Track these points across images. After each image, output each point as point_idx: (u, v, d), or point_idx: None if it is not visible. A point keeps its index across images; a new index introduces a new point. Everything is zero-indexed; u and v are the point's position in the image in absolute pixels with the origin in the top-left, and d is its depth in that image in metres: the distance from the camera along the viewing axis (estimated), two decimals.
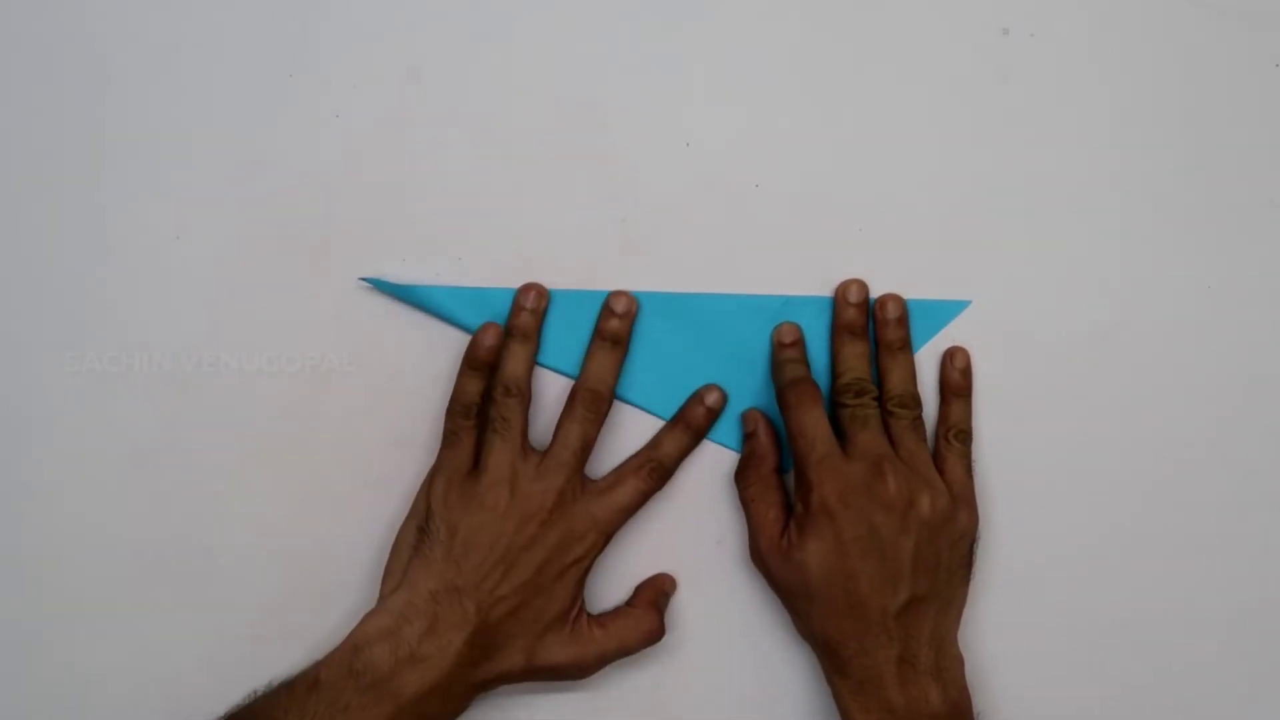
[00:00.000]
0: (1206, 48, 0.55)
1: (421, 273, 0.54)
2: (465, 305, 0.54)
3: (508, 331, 0.53)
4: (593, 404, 0.52)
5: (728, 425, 0.55)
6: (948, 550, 0.51)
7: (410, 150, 0.54)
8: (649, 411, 0.54)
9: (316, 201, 0.54)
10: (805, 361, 0.53)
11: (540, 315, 0.53)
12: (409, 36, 0.54)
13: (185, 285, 0.54)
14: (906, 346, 0.54)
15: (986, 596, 0.54)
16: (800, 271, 0.54)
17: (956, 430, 0.53)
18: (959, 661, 0.51)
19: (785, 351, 0.53)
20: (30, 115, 0.54)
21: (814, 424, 0.51)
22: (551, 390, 0.54)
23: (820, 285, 0.55)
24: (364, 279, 0.54)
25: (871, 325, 0.54)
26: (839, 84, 0.55)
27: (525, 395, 0.52)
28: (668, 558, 0.55)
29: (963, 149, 0.55)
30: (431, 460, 0.53)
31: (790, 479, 0.54)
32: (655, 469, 0.53)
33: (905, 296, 0.54)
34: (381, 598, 0.51)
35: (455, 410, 0.52)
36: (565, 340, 0.54)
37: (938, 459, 0.53)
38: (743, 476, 0.53)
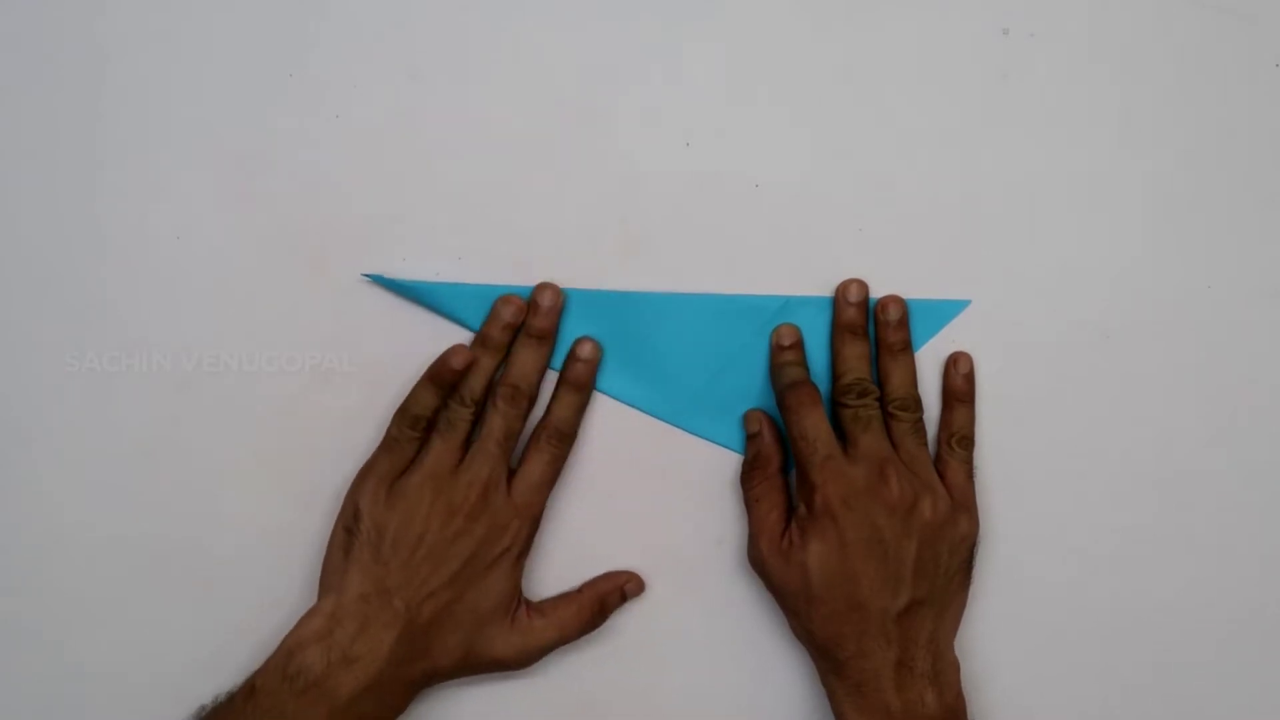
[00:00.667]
0: (1206, 48, 0.55)
1: (422, 272, 0.54)
2: (466, 302, 0.54)
3: (478, 341, 0.53)
4: (513, 399, 0.52)
5: (727, 425, 0.55)
6: (948, 555, 0.51)
7: (410, 150, 0.54)
8: (649, 413, 0.54)
9: (317, 201, 0.54)
10: (804, 364, 0.53)
11: (558, 315, 0.53)
12: (409, 36, 0.54)
13: (185, 285, 0.54)
14: (908, 348, 0.54)
15: (983, 600, 0.54)
16: (800, 271, 0.54)
17: (959, 436, 0.53)
18: (955, 667, 0.51)
19: (784, 354, 0.53)
20: (30, 115, 0.54)
21: (815, 425, 0.51)
22: (549, 391, 0.54)
23: (820, 285, 0.55)
24: (366, 275, 0.54)
25: (872, 326, 0.54)
26: (839, 84, 0.55)
27: (479, 405, 0.52)
28: (668, 558, 0.55)
29: (963, 149, 0.55)
30: None
31: (794, 479, 0.54)
32: (552, 435, 0.52)
33: (905, 296, 0.54)
34: (317, 600, 0.51)
35: (403, 418, 0.52)
36: (564, 340, 0.54)
37: (939, 463, 0.53)
38: (748, 477, 0.53)
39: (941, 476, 0.53)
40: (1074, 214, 0.55)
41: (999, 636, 0.54)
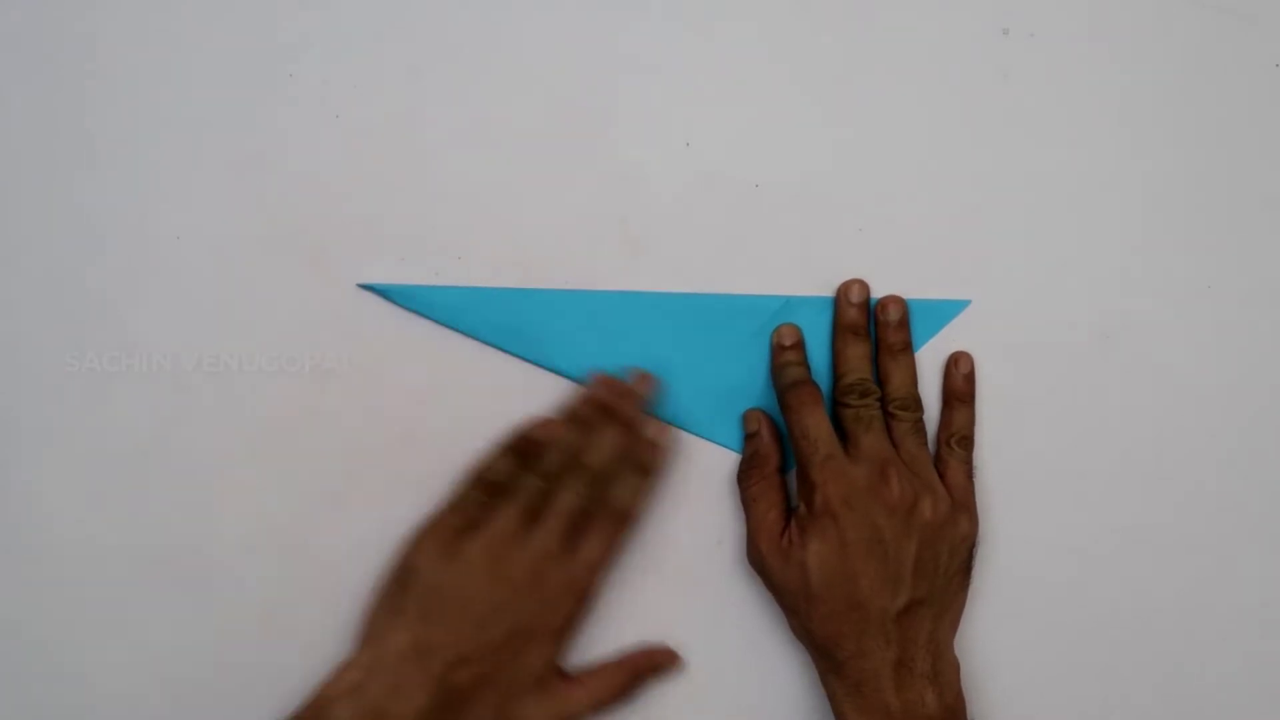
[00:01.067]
0: (1206, 48, 0.55)
1: (421, 272, 0.54)
2: (463, 306, 0.54)
3: (565, 414, 0.52)
4: (591, 482, 0.51)
5: (727, 425, 0.55)
6: (948, 555, 0.51)
7: (410, 150, 0.54)
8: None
9: (316, 201, 0.54)
10: (805, 363, 0.54)
11: (649, 403, 0.53)
12: (409, 36, 0.54)
13: (185, 285, 0.54)
14: (908, 348, 0.54)
15: (983, 600, 0.54)
16: (800, 271, 0.54)
17: (959, 436, 0.53)
18: (955, 667, 0.51)
19: (785, 354, 0.53)
20: (30, 115, 0.54)
21: (816, 425, 0.51)
22: (549, 391, 0.54)
23: (820, 285, 0.55)
24: (362, 284, 0.54)
25: (872, 326, 0.54)
26: (839, 84, 0.55)
27: (554, 480, 0.51)
28: (668, 558, 0.55)
29: (963, 149, 0.55)
30: (431, 456, 0.53)
31: (792, 479, 0.54)
32: (615, 516, 0.52)
33: (905, 296, 0.54)
34: (354, 649, 0.51)
35: (479, 482, 0.51)
36: (564, 341, 0.54)
37: (939, 464, 0.53)
38: (745, 476, 0.53)
39: (941, 477, 0.53)
40: (1074, 214, 0.55)
41: (999, 636, 0.54)
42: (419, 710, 0.48)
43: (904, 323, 0.54)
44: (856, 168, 0.55)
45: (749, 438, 0.54)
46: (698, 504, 0.54)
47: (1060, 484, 0.55)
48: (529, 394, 0.54)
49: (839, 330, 0.54)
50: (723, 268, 0.54)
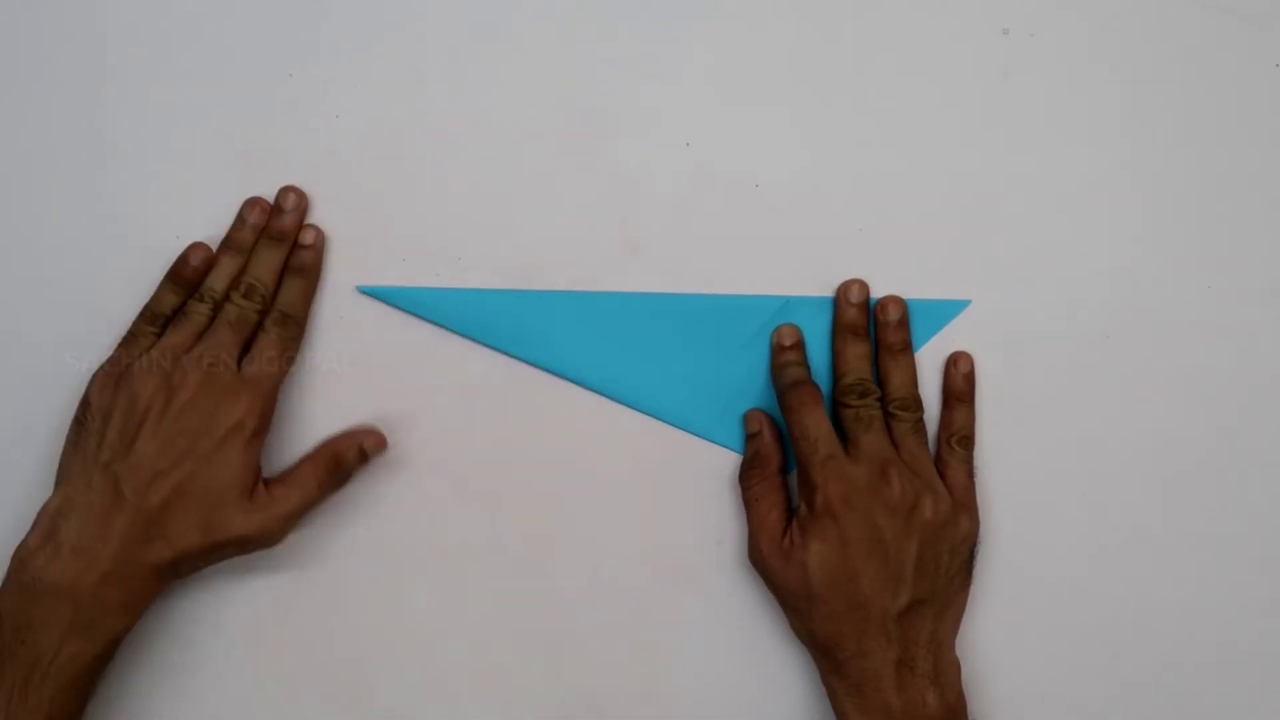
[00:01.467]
0: (1206, 48, 0.55)
1: (421, 272, 0.54)
2: (461, 308, 0.54)
3: (223, 243, 0.53)
4: (248, 293, 0.52)
5: (728, 425, 0.55)
6: (948, 555, 0.51)
7: (410, 150, 0.54)
8: (649, 414, 0.54)
9: (316, 201, 0.54)
10: (805, 364, 0.53)
11: (301, 216, 0.53)
12: (409, 36, 0.54)
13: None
14: (908, 348, 0.54)
15: (983, 600, 0.54)
16: (800, 271, 0.54)
17: (959, 435, 0.53)
18: (956, 667, 0.51)
19: (785, 354, 0.53)
20: (30, 114, 0.54)
21: (817, 425, 0.51)
22: (549, 392, 0.54)
23: (820, 285, 0.55)
24: (362, 288, 0.54)
25: (872, 327, 0.54)
26: (839, 84, 0.55)
27: (264, 296, 0.52)
28: (668, 558, 0.55)
29: (963, 149, 0.55)
30: (429, 458, 0.53)
31: (793, 480, 0.54)
32: (279, 318, 0.52)
33: (905, 296, 0.54)
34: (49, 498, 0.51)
35: (144, 315, 0.52)
36: (564, 342, 0.54)
37: (940, 463, 0.53)
38: (746, 476, 0.53)
39: (942, 476, 0.53)
40: (1074, 214, 0.55)
41: (999, 636, 0.54)
42: (120, 534, 0.48)
43: (904, 322, 0.54)
44: (856, 168, 0.55)
45: (750, 438, 0.54)
46: (698, 504, 0.54)
47: (1060, 484, 0.55)
48: (529, 395, 0.54)
49: (838, 330, 0.54)
50: (722, 268, 0.54)
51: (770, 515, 0.52)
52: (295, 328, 0.53)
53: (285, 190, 0.53)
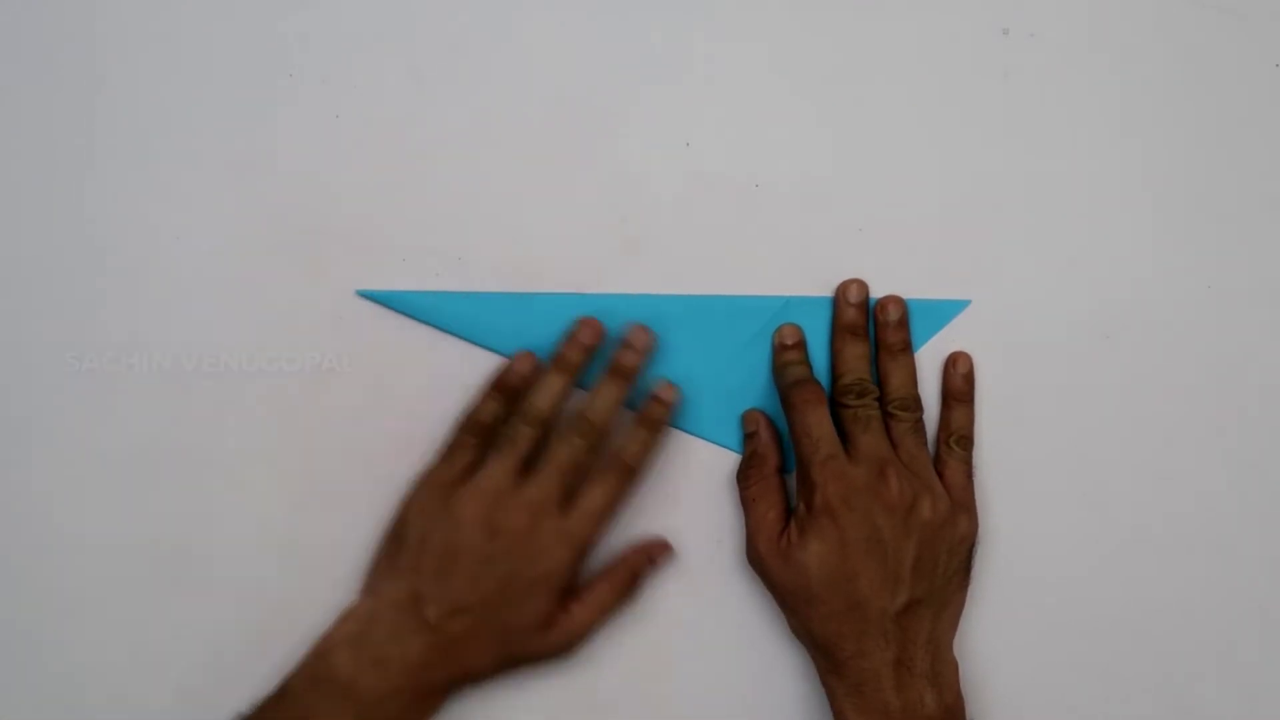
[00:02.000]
0: (1206, 48, 0.55)
1: (421, 272, 0.54)
2: (460, 311, 0.54)
3: (552, 360, 0.52)
4: (586, 432, 0.51)
5: (727, 425, 0.55)
6: (947, 555, 0.51)
7: (410, 150, 0.54)
8: None
9: (316, 201, 0.54)
10: (808, 363, 0.54)
11: (593, 354, 0.52)
12: (409, 36, 0.54)
13: (185, 285, 0.54)
14: (908, 348, 0.54)
15: (983, 600, 0.54)
16: (800, 271, 0.54)
17: (958, 435, 0.53)
18: (954, 667, 0.51)
19: (787, 353, 0.53)
20: (29, 115, 0.54)
21: (819, 424, 0.51)
22: None
23: (820, 285, 0.55)
24: (362, 292, 0.54)
25: (872, 326, 0.54)
26: (839, 84, 0.55)
27: (545, 427, 0.51)
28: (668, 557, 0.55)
29: (963, 149, 0.55)
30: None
31: (792, 480, 0.54)
32: (619, 467, 0.52)
33: (905, 296, 0.54)
34: (354, 601, 0.51)
35: (465, 425, 0.51)
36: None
37: (938, 463, 0.53)
38: (744, 476, 0.53)
39: (940, 476, 0.53)
40: (1074, 214, 0.55)
41: (999, 636, 0.54)
42: (418, 654, 0.49)
43: (903, 322, 0.54)
44: (856, 168, 0.55)
45: (748, 438, 0.54)
46: (698, 504, 0.54)
47: (1060, 484, 0.55)
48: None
49: (837, 330, 0.54)
50: (723, 268, 0.54)
51: (768, 515, 0.52)
52: (631, 481, 0.52)
53: (639, 329, 0.52)
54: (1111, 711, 0.54)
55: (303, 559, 0.54)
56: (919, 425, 0.53)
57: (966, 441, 0.54)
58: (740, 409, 0.55)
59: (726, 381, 0.54)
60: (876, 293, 0.54)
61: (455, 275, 0.54)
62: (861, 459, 0.51)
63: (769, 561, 0.51)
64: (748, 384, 0.55)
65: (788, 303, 0.54)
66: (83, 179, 0.54)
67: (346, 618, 0.50)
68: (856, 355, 0.53)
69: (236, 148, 0.54)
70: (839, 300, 0.54)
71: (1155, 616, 0.55)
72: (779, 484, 0.53)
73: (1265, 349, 0.55)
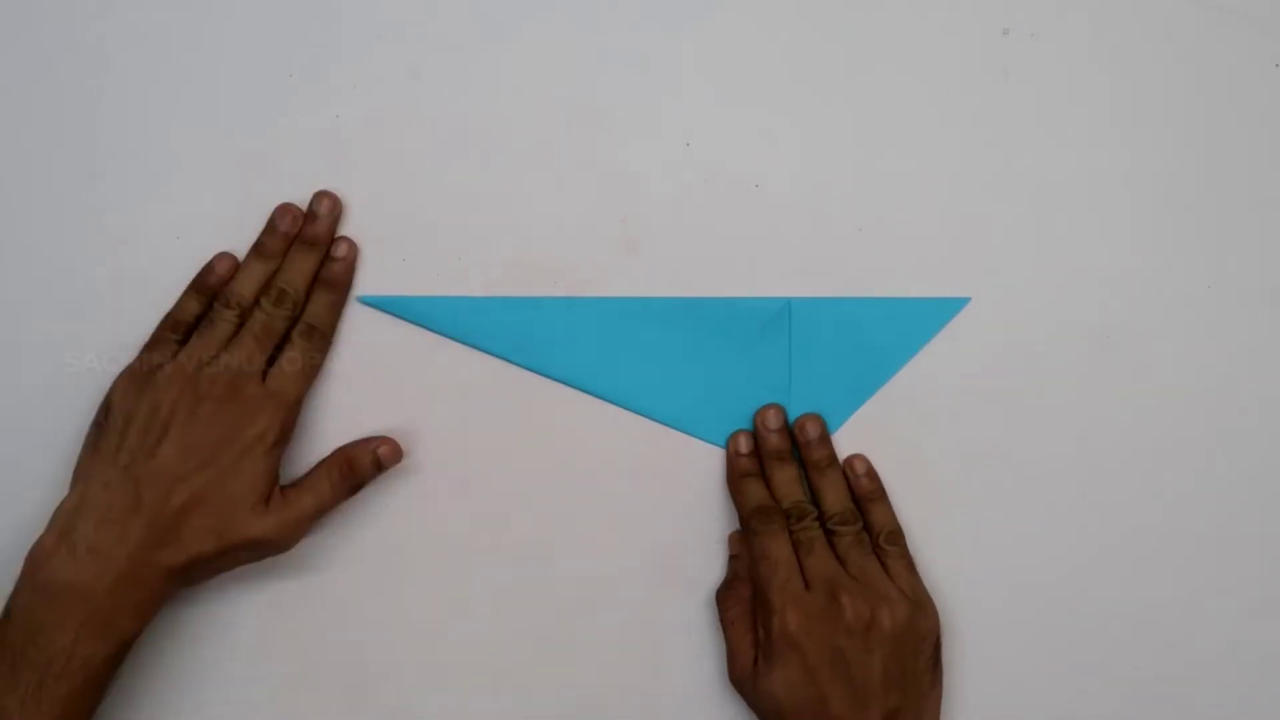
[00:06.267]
0: (1206, 48, 0.55)
1: (421, 272, 0.54)
2: (460, 315, 0.54)
3: (252, 248, 0.53)
4: (278, 300, 0.52)
5: (727, 427, 0.55)
6: (912, 659, 0.51)
7: (410, 150, 0.54)
8: (649, 417, 0.54)
9: None
10: (762, 478, 0.53)
11: (335, 222, 0.53)
12: (409, 36, 0.54)
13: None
14: (835, 463, 0.54)
15: (980, 602, 0.54)
16: (801, 272, 0.54)
17: (886, 533, 0.53)
18: None
19: (741, 463, 0.53)
20: (29, 114, 0.54)
21: (779, 549, 0.52)
22: (550, 397, 0.54)
23: (820, 285, 0.55)
24: (362, 298, 0.54)
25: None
26: (839, 84, 0.55)
27: (246, 312, 0.52)
28: (668, 558, 0.55)
29: (963, 149, 0.55)
30: (433, 465, 0.54)
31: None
32: (305, 330, 0.52)
33: (905, 295, 0.54)
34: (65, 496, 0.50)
35: (167, 322, 0.52)
36: (565, 348, 0.54)
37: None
38: (723, 599, 0.53)
39: None
40: (1074, 214, 0.55)
41: (996, 638, 0.54)
42: (136, 536, 0.48)
43: (824, 438, 0.54)
44: (856, 167, 0.55)
45: (731, 559, 0.54)
46: (698, 505, 0.55)
47: (1060, 484, 0.55)
48: (530, 400, 0.54)
49: (764, 458, 0.54)
50: (723, 268, 0.54)
51: (744, 640, 0.52)
52: (321, 341, 0.53)
53: (320, 195, 0.53)
54: (1111, 711, 0.54)
55: (303, 559, 0.54)
56: (861, 536, 0.53)
57: (896, 535, 0.53)
58: (741, 410, 0.54)
59: (727, 383, 0.54)
60: (877, 292, 0.54)
61: (455, 275, 0.54)
62: (813, 583, 0.51)
63: (744, 688, 0.52)
64: (748, 385, 0.55)
65: (788, 304, 0.54)
66: (83, 178, 0.54)
67: (55, 516, 0.49)
68: (787, 479, 0.53)
69: (237, 148, 0.54)
70: (759, 429, 0.54)
71: (1154, 616, 0.55)
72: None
73: (1265, 349, 0.55)
